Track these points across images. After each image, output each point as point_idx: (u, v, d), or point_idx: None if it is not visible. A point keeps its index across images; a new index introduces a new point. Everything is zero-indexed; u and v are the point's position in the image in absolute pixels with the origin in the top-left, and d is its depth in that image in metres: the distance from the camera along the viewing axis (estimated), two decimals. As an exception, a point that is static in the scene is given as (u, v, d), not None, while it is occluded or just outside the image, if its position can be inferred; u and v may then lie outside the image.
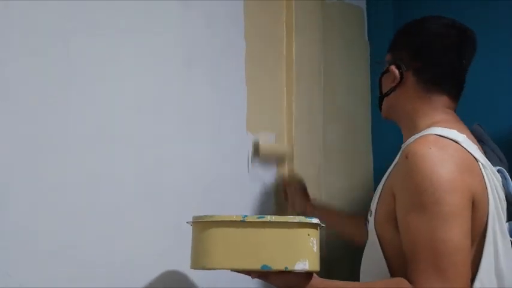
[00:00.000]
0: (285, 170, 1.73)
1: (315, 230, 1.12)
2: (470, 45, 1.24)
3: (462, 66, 1.25)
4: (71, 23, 1.26)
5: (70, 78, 1.26)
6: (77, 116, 1.27)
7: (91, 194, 1.28)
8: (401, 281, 1.06)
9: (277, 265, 1.08)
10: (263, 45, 1.74)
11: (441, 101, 1.23)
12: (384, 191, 1.19)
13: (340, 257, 1.87)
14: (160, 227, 1.41)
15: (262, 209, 1.68)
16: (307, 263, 1.08)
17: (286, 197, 1.65)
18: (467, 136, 1.17)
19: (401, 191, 1.12)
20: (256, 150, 1.58)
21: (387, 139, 1.98)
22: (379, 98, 1.32)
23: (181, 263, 1.45)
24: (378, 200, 1.21)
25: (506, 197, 1.19)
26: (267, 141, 1.54)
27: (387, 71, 1.27)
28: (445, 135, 1.14)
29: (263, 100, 1.73)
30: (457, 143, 1.13)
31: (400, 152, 1.21)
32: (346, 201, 1.97)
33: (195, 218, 1.16)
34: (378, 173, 2.04)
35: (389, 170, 1.22)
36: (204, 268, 1.14)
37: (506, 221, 1.17)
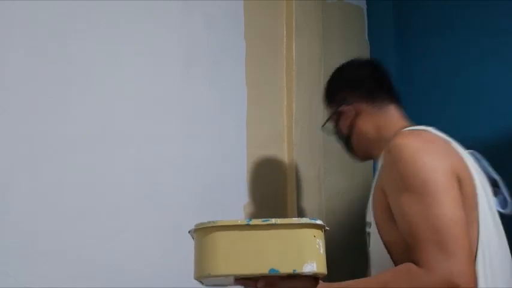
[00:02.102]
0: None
1: (320, 232, 1.10)
2: (378, 68, 1.42)
3: (385, 81, 1.39)
4: (71, 23, 1.26)
5: (70, 78, 1.26)
6: (77, 115, 1.27)
7: (91, 194, 1.28)
8: (409, 265, 1.07)
9: (285, 268, 1.05)
10: (263, 45, 1.74)
11: (393, 110, 1.34)
12: (375, 193, 1.22)
13: (341, 257, 1.87)
14: (160, 227, 1.41)
15: (262, 209, 1.68)
16: (315, 264, 1.06)
17: None
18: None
19: (389, 182, 1.16)
20: None
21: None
22: (346, 145, 1.41)
23: (181, 262, 1.45)
24: (372, 204, 1.23)
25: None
26: None
27: (340, 116, 1.38)
28: (416, 128, 1.25)
29: (263, 100, 1.73)
30: (428, 131, 1.22)
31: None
32: (346, 201, 1.97)
33: (197, 225, 1.12)
34: (378, 173, 2.05)
35: (376, 175, 1.26)
36: (209, 276, 1.09)
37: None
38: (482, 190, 1.18)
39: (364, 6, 2.17)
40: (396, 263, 1.17)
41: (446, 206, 1.07)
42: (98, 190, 1.29)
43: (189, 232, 1.14)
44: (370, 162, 2.12)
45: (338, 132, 1.42)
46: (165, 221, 1.42)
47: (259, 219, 1.09)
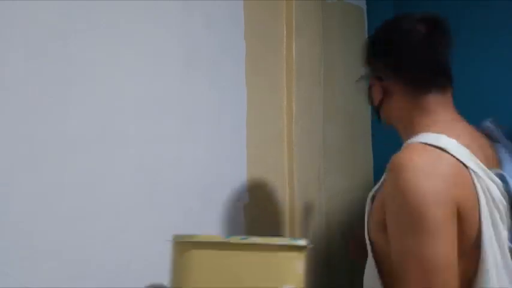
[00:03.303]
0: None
1: (302, 254, 1.09)
2: (441, 33, 1.19)
3: (439, 55, 1.19)
4: (71, 23, 1.26)
5: (70, 78, 1.26)
6: (77, 116, 1.27)
7: (91, 194, 1.28)
8: None
9: None
10: (263, 45, 1.74)
11: (432, 98, 1.18)
12: (376, 201, 1.17)
13: (340, 257, 1.87)
14: (160, 227, 1.41)
15: (262, 209, 1.68)
16: (292, 287, 1.06)
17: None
18: (458, 140, 1.11)
19: (388, 204, 1.09)
20: None
21: (387, 139, 1.98)
22: (373, 109, 1.30)
23: (181, 263, 1.45)
24: (371, 208, 1.18)
25: (510, 201, 1.12)
26: None
27: (371, 86, 1.26)
28: (432, 142, 1.09)
29: (263, 100, 1.73)
30: (445, 150, 1.07)
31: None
32: (346, 201, 1.97)
33: (175, 237, 1.11)
34: (378, 173, 2.04)
35: (382, 177, 1.18)
36: None
37: None
38: (489, 223, 1.07)
39: (364, 6, 2.17)
40: (380, 268, 1.16)
41: (440, 246, 1.01)
42: (98, 190, 1.29)
43: (167, 240, 1.12)
44: (370, 162, 2.12)
45: (369, 98, 1.29)
46: (165, 221, 1.42)
47: (238, 237, 1.06)
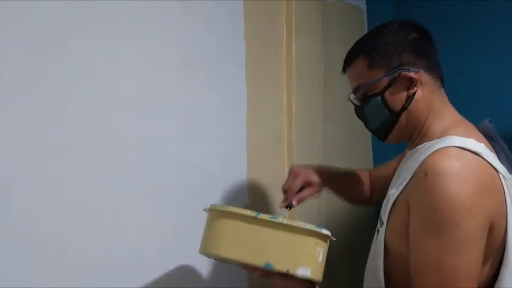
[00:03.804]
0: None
1: (323, 242, 1.12)
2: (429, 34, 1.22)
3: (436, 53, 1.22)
4: (71, 23, 1.26)
5: (70, 78, 1.26)
6: (77, 116, 1.27)
7: (91, 194, 1.28)
8: None
9: (280, 266, 1.08)
10: (263, 45, 1.74)
11: (442, 92, 1.19)
12: (398, 203, 1.13)
13: (341, 257, 1.87)
14: (160, 227, 1.41)
15: (262, 210, 1.68)
16: (309, 270, 1.08)
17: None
18: (484, 144, 1.10)
19: (418, 208, 1.05)
20: None
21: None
22: (384, 124, 1.20)
23: (181, 263, 1.45)
24: (391, 211, 1.14)
25: None
26: None
27: (396, 83, 1.15)
28: (466, 146, 1.06)
29: (263, 100, 1.73)
30: (478, 155, 1.05)
31: (411, 160, 1.14)
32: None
33: (211, 205, 1.19)
34: (378, 173, 2.04)
35: (402, 178, 1.14)
36: (209, 253, 1.15)
37: None
38: None
39: (364, 7, 2.17)
40: (388, 276, 1.14)
41: (465, 258, 0.99)
42: (98, 190, 1.29)
43: (204, 209, 1.20)
44: (370, 162, 2.12)
45: (379, 106, 1.17)
46: (165, 221, 1.42)
47: (268, 215, 1.11)
